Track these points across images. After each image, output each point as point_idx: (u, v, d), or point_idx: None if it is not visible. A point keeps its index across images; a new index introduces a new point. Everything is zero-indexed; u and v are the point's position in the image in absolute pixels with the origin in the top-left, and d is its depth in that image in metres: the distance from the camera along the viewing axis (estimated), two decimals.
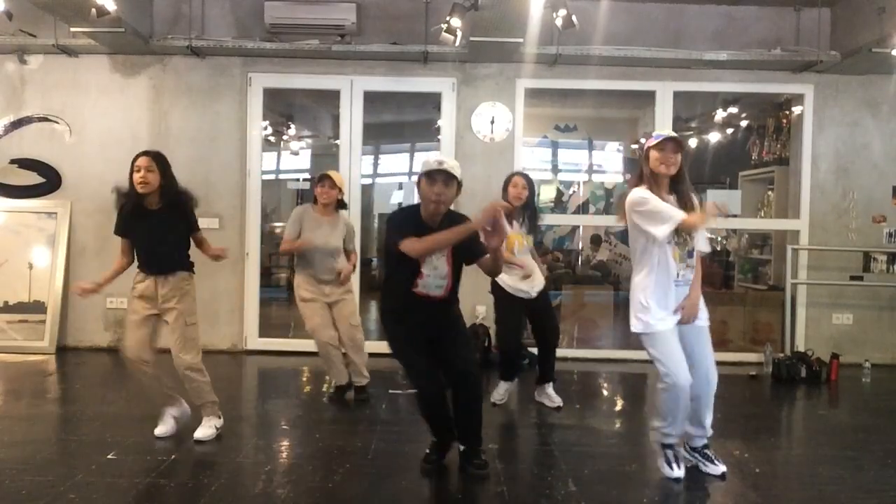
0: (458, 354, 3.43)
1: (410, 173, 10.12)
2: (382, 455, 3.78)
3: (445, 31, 5.14)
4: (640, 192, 3.30)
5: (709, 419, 3.52)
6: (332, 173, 4.78)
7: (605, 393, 5.57)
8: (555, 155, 9.29)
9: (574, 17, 4.94)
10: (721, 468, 3.52)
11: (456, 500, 3.22)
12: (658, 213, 3.24)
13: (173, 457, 3.65)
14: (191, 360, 3.91)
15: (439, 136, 6.56)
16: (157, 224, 3.81)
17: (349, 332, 4.79)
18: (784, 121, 7.31)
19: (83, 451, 3.75)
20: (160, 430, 3.93)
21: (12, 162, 6.36)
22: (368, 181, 9.16)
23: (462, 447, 3.53)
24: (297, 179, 9.23)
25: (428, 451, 3.61)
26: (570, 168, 9.48)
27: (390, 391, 5.13)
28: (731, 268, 8.64)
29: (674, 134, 3.33)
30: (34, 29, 6.02)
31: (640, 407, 5.31)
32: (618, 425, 4.65)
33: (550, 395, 4.80)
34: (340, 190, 4.78)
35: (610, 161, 9.64)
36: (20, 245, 6.36)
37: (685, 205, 3.33)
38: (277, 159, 9.74)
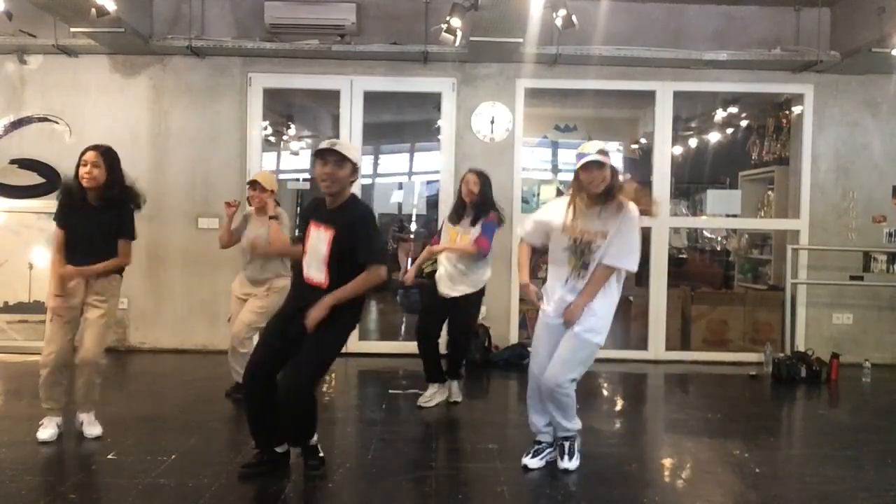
0: (300, 363, 3.24)
1: (410, 173, 10.13)
2: (382, 455, 3.78)
3: (445, 31, 5.14)
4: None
5: (560, 418, 3.54)
6: (259, 177, 4.73)
7: (605, 393, 5.57)
8: (555, 155, 9.29)
9: (574, 17, 4.93)
10: (565, 464, 3.54)
11: (456, 500, 3.22)
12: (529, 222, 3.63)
13: (173, 457, 3.65)
14: (101, 357, 3.88)
15: (439, 136, 6.56)
16: (93, 220, 3.77)
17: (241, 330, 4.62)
18: (784, 121, 7.30)
19: (83, 451, 3.75)
20: (44, 435, 3.82)
21: (12, 162, 6.36)
22: (368, 181, 9.15)
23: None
24: (297, 179, 9.22)
25: (250, 459, 3.50)
26: (571, 168, 9.46)
27: (390, 391, 5.14)
28: (731, 268, 8.64)
29: (596, 157, 3.33)
30: (34, 29, 6.02)
31: (639, 407, 5.31)
32: (618, 425, 4.65)
33: (453, 391, 4.78)
34: (272, 192, 4.69)
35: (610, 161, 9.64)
36: (20, 245, 6.35)
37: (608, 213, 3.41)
38: (277, 159, 9.72)
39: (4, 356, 6.02)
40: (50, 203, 6.34)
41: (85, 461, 3.56)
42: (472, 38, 5.60)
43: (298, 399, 3.26)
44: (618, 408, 5.17)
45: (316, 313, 3.20)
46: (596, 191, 3.35)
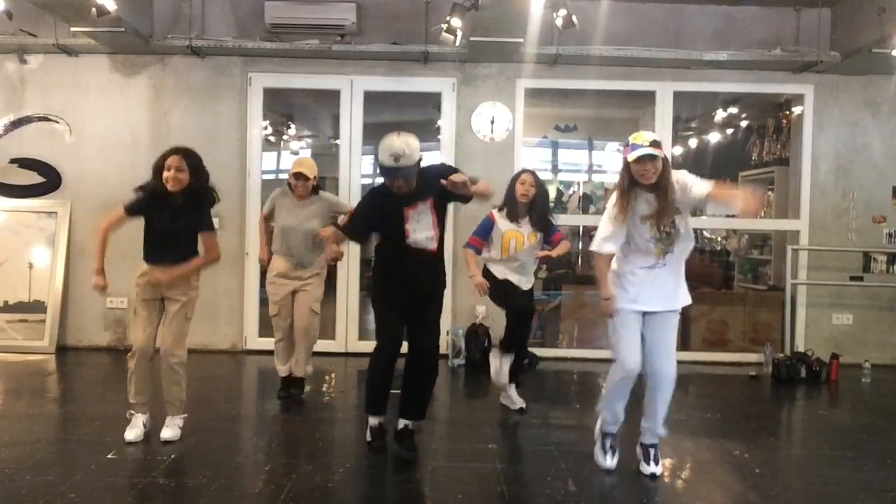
0: (427, 331, 3.73)
1: None
2: (382, 455, 3.78)
3: (445, 31, 5.14)
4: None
5: (661, 421, 3.52)
6: (303, 169, 4.69)
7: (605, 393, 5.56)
8: (555, 155, 9.28)
9: (574, 17, 4.94)
10: (653, 469, 3.51)
11: (456, 500, 3.21)
12: (606, 230, 3.43)
13: (173, 457, 3.65)
14: (182, 354, 3.90)
15: (439, 136, 6.56)
16: (175, 216, 3.80)
17: (306, 319, 4.69)
18: (784, 121, 7.30)
19: (83, 451, 3.75)
20: (131, 435, 3.83)
21: (12, 162, 6.36)
22: (368, 181, 9.15)
23: (401, 425, 3.76)
24: None
25: (370, 438, 3.78)
26: (570, 168, 9.47)
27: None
28: (731, 268, 8.63)
29: (650, 151, 3.27)
30: (34, 29, 6.02)
31: (639, 407, 5.30)
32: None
33: (512, 398, 4.74)
34: (315, 178, 4.73)
35: (610, 161, 9.64)
36: (20, 245, 6.35)
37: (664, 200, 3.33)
38: (277, 159, 9.73)
39: (4, 356, 6.01)
40: (50, 202, 6.40)
41: (85, 461, 3.56)
42: (472, 38, 5.60)
43: (434, 364, 3.78)
44: None
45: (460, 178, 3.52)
46: (648, 181, 3.30)
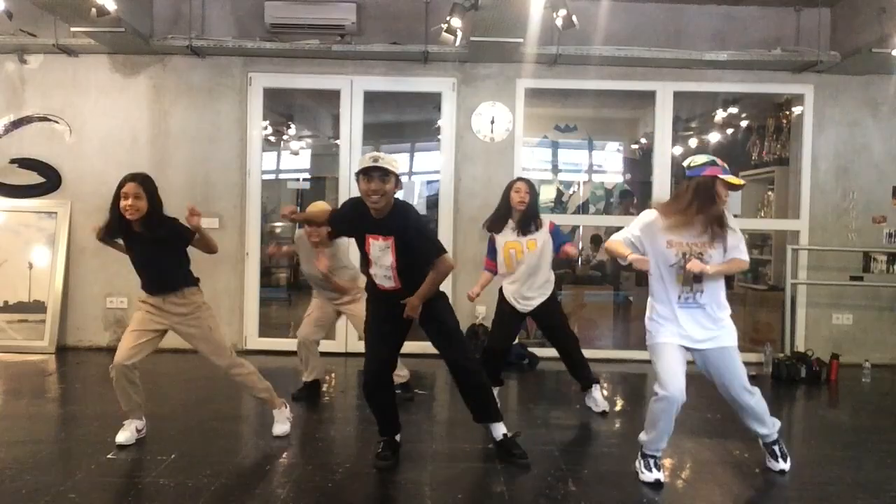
0: (450, 347, 3.61)
1: (410, 173, 10.11)
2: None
3: (445, 31, 5.14)
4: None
5: (757, 427, 3.60)
6: (316, 217, 4.68)
7: (605, 393, 5.55)
8: (555, 155, 9.29)
9: (574, 17, 4.93)
10: (781, 465, 3.61)
11: (456, 500, 3.21)
12: (628, 228, 3.40)
13: (173, 456, 3.65)
14: (228, 362, 3.94)
15: (439, 136, 6.56)
16: (148, 247, 3.73)
17: None
18: (784, 121, 7.30)
19: (83, 451, 3.75)
20: (122, 438, 3.82)
21: (12, 162, 6.36)
22: None
23: (498, 437, 3.72)
24: (297, 179, 9.23)
25: (379, 449, 3.67)
26: (571, 168, 9.47)
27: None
28: None
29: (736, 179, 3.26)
30: (34, 29, 6.03)
31: (640, 407, 5.30)
32: (618, 425, 4.64)
33: (596, 399, 4.76)
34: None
35: (610, 161, 9.64)
36: (20, 245, 6.36)
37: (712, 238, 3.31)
38: (277, 159, 9.72)
39: (4, 356, 6.01)
40: (50, 203, 6.40)
41: (85, 461, 3.56)
42: (472, 38, 5.60)
43: (473, 374, 3.63)
44: (618, 408, 5.16)
45: (412, 312, 3.44)
46: (723, 205, 3.25)
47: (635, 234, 3.37)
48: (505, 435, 3.71)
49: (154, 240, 3.70)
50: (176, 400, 4.88)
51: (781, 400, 5.45)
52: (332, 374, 5.73)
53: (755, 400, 3.52)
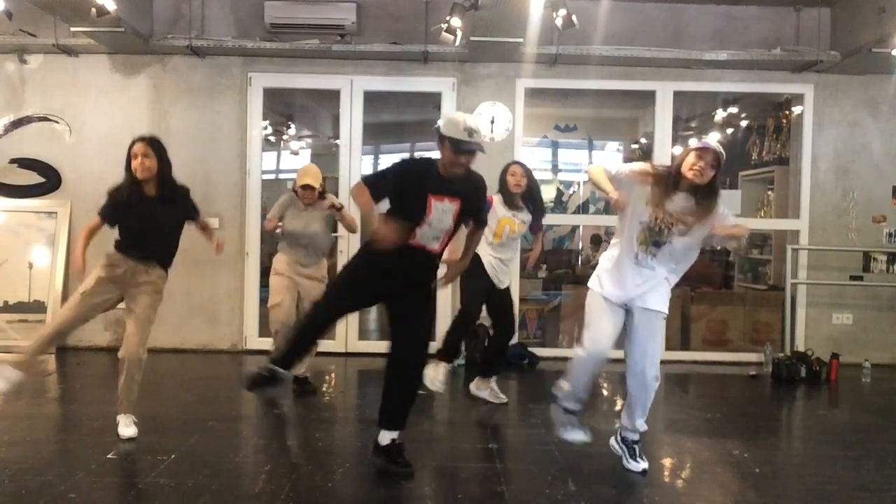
0: (412, 342, 3.52)
1: None
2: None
3: (445, 31, 5.14)
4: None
5: (636, 419, 3.56)
6: (309, 180, 4.78)
7: (605, 393, 5.57)
8: (555, 155, 9.29)
9: (574, 17, 4.94)
10: (642, 465, 3.56)
11: (456, 500, 3.21)
12: (618, 170, 3.47)
13: (173, 456, 3.65)
14: (144, 355, 3.88)
15: None
16: (156, 210, 3.77)
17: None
18: (784, 121, 7.31)
19: (83, 451, 3.75)
20: (129, 432, 3.85)
21: (12, 162, 6.36)
22: None
23: (384, 443, 3.52)
24: None
25: (266, 373, 3.53)
26: (570, 168, 9.48)
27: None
28: (731, 268, 8.63)
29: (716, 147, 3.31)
30: (34, 29, 6.02)
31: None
32: (618, 425, 4.63)
33: (495, 391, 4.83)
34: (321, 185, 4.86)
35: (610, 161, 9.64)
36: (20, 245, 6.35)
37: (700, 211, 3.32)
38: (277, 159, 9.73)
39: (4, 356, 6.00)
40: (50, 202, 6.39)
41: (85, 461, 3.55)
42: (472, 38, 5.60)
43: (416, 379, 3.58)
44: (618, 408, 5.15)
45: (450, 279, 3.65)
46: (696, 180, 3.26)
47: (624, 174, 3.43)
48: (393, 440, 3.54)
49: (164, 200, 3.76)
50: (176, 400, 4.87)
51: (781, 400, 5.46)
52: (333, 374, 5.73)
53: (653, 389, 3.50)
